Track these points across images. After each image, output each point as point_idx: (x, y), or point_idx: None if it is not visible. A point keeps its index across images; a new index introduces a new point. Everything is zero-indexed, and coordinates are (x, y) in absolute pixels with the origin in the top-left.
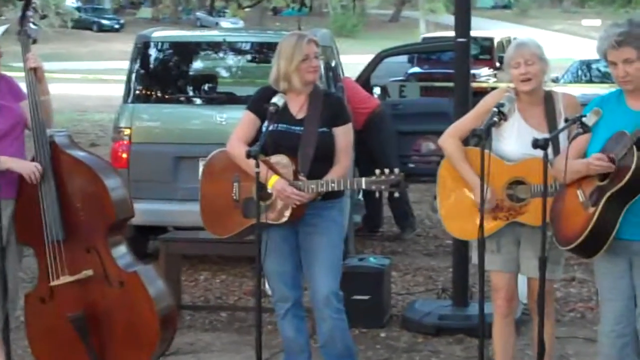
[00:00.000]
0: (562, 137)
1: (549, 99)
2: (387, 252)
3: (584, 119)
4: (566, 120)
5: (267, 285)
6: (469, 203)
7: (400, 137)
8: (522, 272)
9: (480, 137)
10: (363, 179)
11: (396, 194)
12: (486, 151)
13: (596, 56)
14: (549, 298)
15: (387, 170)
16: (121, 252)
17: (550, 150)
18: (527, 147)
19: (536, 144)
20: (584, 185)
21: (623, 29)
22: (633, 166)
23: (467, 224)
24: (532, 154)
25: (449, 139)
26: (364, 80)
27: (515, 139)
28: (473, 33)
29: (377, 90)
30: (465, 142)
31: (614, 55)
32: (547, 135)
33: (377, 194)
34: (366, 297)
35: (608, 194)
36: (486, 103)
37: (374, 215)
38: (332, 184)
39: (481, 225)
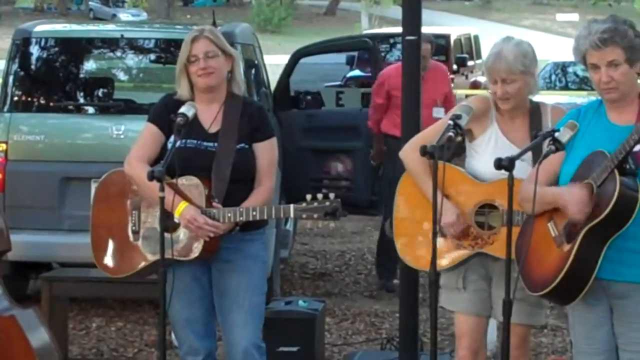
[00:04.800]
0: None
1: (535, 112)
2: (320, 293)
3: (556, 135)
4: (535, 136)
5: (173, 335)
6: (428, 228)
7: (314, 156)
8: (495, 316)
9: (432, 156)
10: (292, 207)
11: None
12: (453, 166)
13: (573, 57)
14: (524, 347)
15: (319, 195)
16: None
17: (526, 170)
18: None
19: (499, 164)
20: (556, 217)
21: (608, 25)
22: (615, 195)
23: (424, 252)
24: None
25: (412, 152)
26: (284, 86)
27: (491, 156)
28: (426, 29)
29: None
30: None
31: (597, 57)
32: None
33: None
34: (295, 349)
35: (586, 228)
36: None
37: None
38: (254, 212)
39: (433, 258)
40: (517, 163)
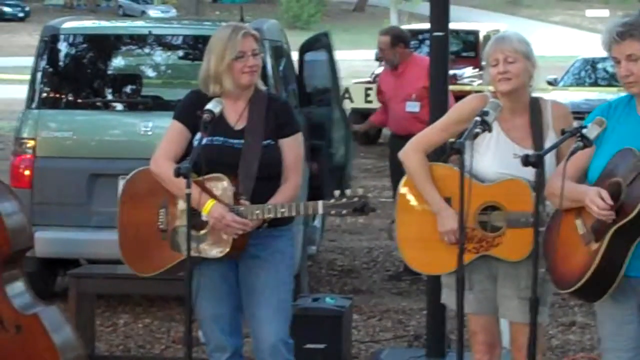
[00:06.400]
0: (548, 154)
1: (535, 108)
2: (348, 290)
3: (584, 131)
4: (563, 132)
5: (200, 332)
6: (432, 230)
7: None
8: (502, 315)
9: (460, 152)
10: (320, 203)
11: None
12: (453, 166)
13: (602, 53)
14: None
15: (348, 191)
16: (18, 290)
17: (529, 170)
18: (505, 165)
19: (527, 160)
20: (584, 214)
21: (628, 19)
22: None
23: (428, 255)
24: (511, 174)
25: (412, 153)
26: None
27: (493, 155)
28: (454, 25)
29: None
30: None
31: (617, 51)
32: (531, 151)
33: None
34: (322, 346)
35: (614, 228)
36: (458, 111)
37: None
38: (282, 210)
39: (460, 258)
40: (521, 165)
